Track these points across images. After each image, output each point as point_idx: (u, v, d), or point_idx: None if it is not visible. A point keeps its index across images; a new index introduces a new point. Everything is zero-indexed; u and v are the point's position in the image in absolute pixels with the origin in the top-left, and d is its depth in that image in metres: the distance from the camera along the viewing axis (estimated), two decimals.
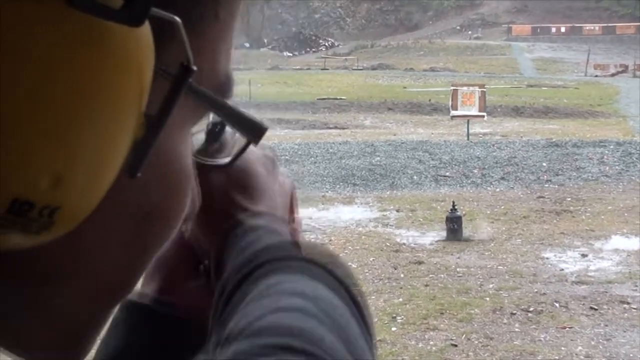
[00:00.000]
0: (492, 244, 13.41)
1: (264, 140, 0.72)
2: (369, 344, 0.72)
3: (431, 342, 9.22)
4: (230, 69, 0.69)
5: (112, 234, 0.59)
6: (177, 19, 0.53)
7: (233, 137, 0.96)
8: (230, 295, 0.79)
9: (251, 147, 0.95)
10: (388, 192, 18.03)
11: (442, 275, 11.75)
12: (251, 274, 0.80)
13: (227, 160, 0.95)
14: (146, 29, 0.51)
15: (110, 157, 0.52)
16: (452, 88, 26.01)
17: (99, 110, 0.49)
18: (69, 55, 0.47)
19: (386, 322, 9.89)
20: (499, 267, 12.11)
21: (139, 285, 0.68)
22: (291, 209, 1.06)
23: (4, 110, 0.45)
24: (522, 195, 17.62)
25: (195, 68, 0.56)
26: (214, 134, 0.96)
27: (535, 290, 11.03)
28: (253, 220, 0.92)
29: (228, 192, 0.96)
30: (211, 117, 0.91)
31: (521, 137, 27.53)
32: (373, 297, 10.83)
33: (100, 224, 0.56)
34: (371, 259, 12.63)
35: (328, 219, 15.49)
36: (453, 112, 25.50)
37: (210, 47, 0.63)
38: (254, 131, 0.69)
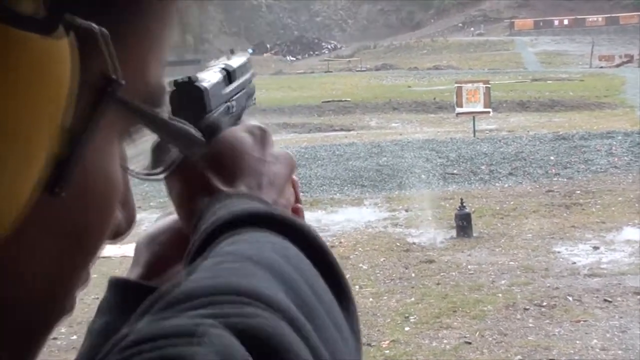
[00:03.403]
0: (503, 240, 13.37)
1: None
2: (340, 297, 0.73)
3: (445, 341, 9.18)
4: (163, 78, 0.65)
5: (38, 253, 0.54)
6: (98, 28, 0.50)
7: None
8: (194, 256, 0.79)
9: (236, 125, 1.02)
10: (396, 192, 18.00)
11: (454, 273, 11.72)
12: (207, 237, 0.80)
13: (159, 170, 0.91)
14: (67, 40, 0.48)
15: (25, 175, 0.48)
16: (456, 85, 26.00)
17: (13, 125, 0.47)
18: None
19: (399, 322, 9.87)
20: (511, 262, 12.07)
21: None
22: (292, 185, 1.08)
23: None
24: (531, 190, 17.56)
25: (115, 78, 0.52)
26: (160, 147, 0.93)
27: (548, 284, 10.99)
28: (221, 198, 0.91)
29: (204, 175, 0.96)
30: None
31: (528, 131, 27.50)
32: (385, 297, 10.81)
33: (25, 244, 0.52)
34: (382, 260, 12.61)
35: (337, 221, 15.47)
36: (458, 110, 25.48)
37: (140, 57, 0.59)
38: (188, 143, 0.66)
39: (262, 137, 1.04)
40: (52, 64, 0.47)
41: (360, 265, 12.37)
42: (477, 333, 9.34)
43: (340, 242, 13.78)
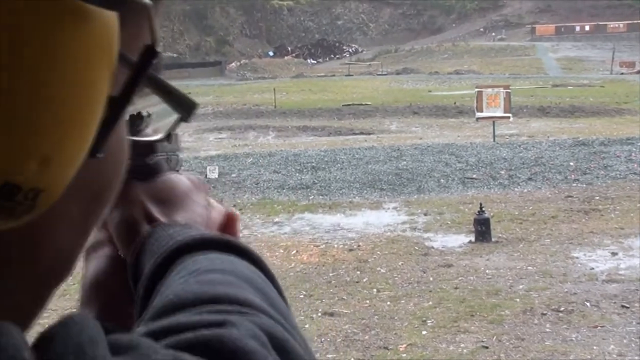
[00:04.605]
0: (521, 245, 13.36)
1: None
2: (286, 303, 0.80)
3: (462, 345, 9.19)
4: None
5: (62, 215, 0.59)
6: (149, 1, 0.55)
7: (149, 124, 1.02)
8: (150, 280, 0.86)
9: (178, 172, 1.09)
10: (415, 196, 18.00)
11: (472, 278, 11.72)
12: (167, 257, 0.87)
13: (159, 136, 1.01)
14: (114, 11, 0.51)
15: (88, 137, 0.52)
16: (476, 90, 25.96)
17: (82, 92, 0.50)
18: (53, 36, 0.47)
19: (416, 325, 9.87)
20: (529, 267, 12.06)
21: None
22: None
23: None
24: (550, 195, 17.53)
25: (159, 50, 0.56)
26: (138, 122, 1.01)
27: (566, 290, 10.98)
28: (168, 226, 0.98)
29: (144, 204, 1.02)
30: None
31: (548, 137, 27.43)
32: (403, 301, 10.82)
33: (56, 205, 0.55)
34: (400, 263, 12.61)
35: (356, 225, 15.48)
36: (478, 114, 25.45)
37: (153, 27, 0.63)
38: (186, 107, 0.72)
39: (198, 184, 1.11)
40: (109, 35, 0.51)
41: (379, 268, 12.38)
42: (495, 337, 9.34)
43: (359, 246, 13.80)
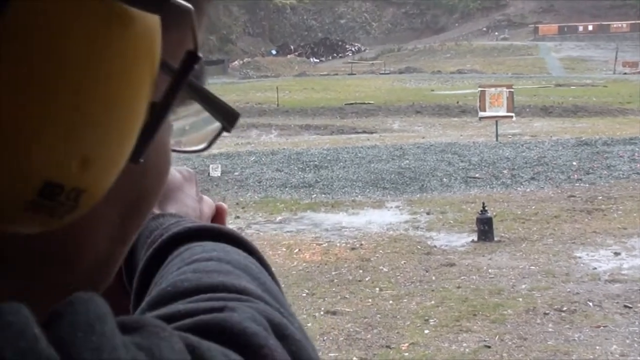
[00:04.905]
0: (524, 245, 13.35)
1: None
2: (279, 287, 0.81)
3: (464, 344, 9.19)
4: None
5: (103, 219, 0.59)
6: (191, 6, 0.54)
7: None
8: (145, 271, 0.87)
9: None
10: (418, 195, 18.00)
11: (474, 277, 11.72)
12: (161, 247, 0.89)
13: (203, 145, 0.99)
14: (157, 16, 0.52)
15: (129, 141, 0.53)
16: (479, 89, 25.95)
17: (125, 95, 0.50)
18: (97, 39, 0.48)
19: (419, 325, 9.87)
20: (531, 267, 12.06)
21: None
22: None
23: (40, 95, 0.46)
24: (552, 195, 17.53)
25: (201, 55, 0.57)
26: None
27: (568, 289, 10.97)
28: (162, 217, 1.00)
29: None
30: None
31: (551, 136, 27.42)
32: (405, 300, 10.82)
33: (93, 212, 0.55)
34: (402, 262, 12.61)
35: (358, 223, 15.49)
36: (481, 114, 25.44)
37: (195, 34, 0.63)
38: (229, 117, 0.73)
39: (190, 178, 1.13)
40: (152, 40, 0.52)
41: (381, 267, 12.38)
42: (497, 337, 9.34)
43: (361, 245, 13.80)
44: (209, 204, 1.13)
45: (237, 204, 17.79)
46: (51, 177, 0.48)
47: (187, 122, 0.96)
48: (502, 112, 24.77)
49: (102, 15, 0.48)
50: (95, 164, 0.50)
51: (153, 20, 0.51)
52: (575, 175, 19.54)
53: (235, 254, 0.84)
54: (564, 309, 10.20)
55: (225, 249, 0.85)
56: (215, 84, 69.17)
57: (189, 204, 1.08)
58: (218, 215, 1.14)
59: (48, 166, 0.48)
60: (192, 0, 0.60)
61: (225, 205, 1.16)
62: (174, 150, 0.93)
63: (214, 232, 0.91)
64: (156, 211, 1.02)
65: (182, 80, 0.56)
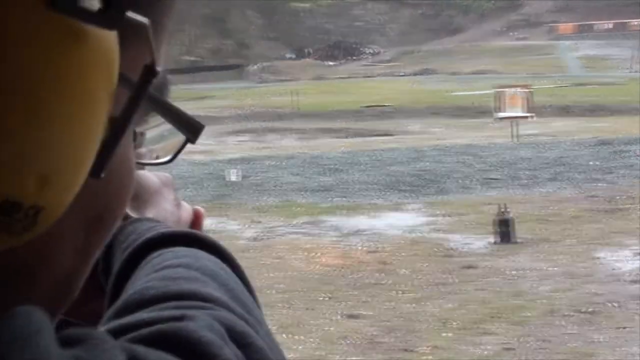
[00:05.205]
0: (545, 246, 13.30)
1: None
2: (252, 296, 0.82)
3: (485, 347, 9.15)
4: (166, 70, 0.70)
5: (65, 237, 0.59)
6: (146, 21, 0.54)
7: (142, 143, 1.05)
8: (118, 276, 0.88)
9: (146, 168, 1.11)
10: (436, 198, 17.96)
11: (495, 279, 11.67)
12: (135, 253, 0.89)
13: (167, 158, 1.05)
14: (115, 32, 0.52)
15: (87, 157, 0.52)
16: (496, 90, 25.88)
17: (81, 112, 0.51)
18: (52, 58, 0.48)
19: (439, 327, 9.85)
20: (552, 268, 12.00)
21: None
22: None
23: None
24: (572, 196, 17.46)
25: (159, 70, 0.56)
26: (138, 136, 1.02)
27: (590, 290, 10.91)
28: (138, 221, 1.00)
29: None
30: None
31: (570, 136, 27.30)
32: (425, 303, 10.79)
33: (56, 227, 0.55)
34: (422, 265, 12.58)
35: (377, 227, 15.45)
36: (499, 114, 25.38)
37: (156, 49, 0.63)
38: (192, 129, 0.71)
39: (167, 182, 1.14)
40: (109, 56, 0.51)
41: (400, 270, 12.36)
42: (518, 339, 9.30)
43: (381, 248, 13.77)
44: (187, 208, 1.14)
45: (256, 208, 17.79)
46: (8, 195, 0.48)
47: (162, 129, 0.96)
48: (520, 113, 24.71)
49: (55, 32, 0.48)
50: (53, 182, 0.50)
51: (109, 36, 0.51)
52: (595, 175, 19.44)
53: (205, 260, 0.84)
54: (586, 310, 10.14)
55: (196, 255, 0.85)
56: (231, 89, 69.36)
57: (167, 209, 1.09)
58: (196, 219, 1.15)
59: (4, 184, 0.48)
60: (151, 15, 0.59)
61: (202, 210, 1.17)
62: (140, 163, 0.95)
63: (188, 237, 0.92)
64: (134, 215, 1.03)
65: (141, 95, 0.55)
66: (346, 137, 32.89)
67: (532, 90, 25.20)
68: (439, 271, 12.24)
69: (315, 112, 43.12)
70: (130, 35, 0.54)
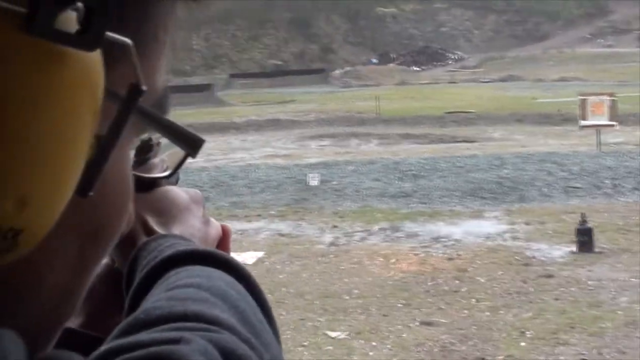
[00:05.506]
0: (625, 256, 13.12)
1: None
2: (267, 316, 0.83)
3: (561, 357, 9.07)
4: (166, 84, 0.71)
5: (58, 254, 0.60)
6: (129, 41, 0.55)
7: (157, 153, 1.05)
8: (136, 293, 0.88)
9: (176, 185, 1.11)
10: (517, 205, 17.82)
11: (573, 289, 11.55)
12: (153, 270, 0.89)
13: (166, 173, 1.05)
14: (98, 52, 0.52)
15: (69, 177, 0.53)
16: (580, 98, 25.60)
17: (60, 133, 0.50)
18: (30, 80, 0.48)
19: (515, 337, 9.78)
20: (632, 279, 11.84)
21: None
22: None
23: None
24: None
25: (145, 88, 0.57)
26: (143, 152, 1.04)
27: None
28: (162, 238, 1.00)
29: (143, 216, 1.04)
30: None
31: None
32: (502, 311, 10.72)
33: (48, 244, 0.56)
34: (500, 273, 12.50)
35: (456, 234, 15.39)
36: (582, 122, 25.08)
37: (150, 65, 0.66)
38: (192, 144, 0.72)
39: (196, 199, 1.13)
40: (92, 77, 0.52)
41: (478, 278, 12.29)
42: (595, 350, 9.20)
43: (459, 255, 13.71)
44: (215, 225, 1.13)
45: (335, 213, 17.84)
46: None
47: (160, 140, 0.97)
48: (604, 121, 24.38)
49: (33, 55, 0.48)
50: (33, 203, 0.50)
51: (91, 56, 0.51)
52: None
53: (219, 280, 0.84)
54: None
55: (209, 275, 0.85)
56: (315, 93, 69.63)
57: (195, 225, 1.08)
58: (224, 236, 1.14)
59: None
60: (142, 31, 0.62)
61: (229, 227, 1.16)
62: (141, 177, 0.96)
63: (206, 256, 0.91)
64: (160, 231, 1.03)
65: (127, 113, 0.57)
66: (428, 143, 32.79)
67: (616, 98, 24.77)
68: (517, 279, 12.16)
69: (398, 117, 43.06)
70: (117, 53, 0.55)
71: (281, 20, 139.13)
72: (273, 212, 17.86)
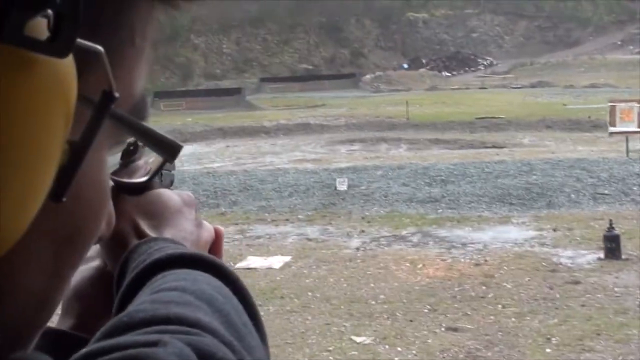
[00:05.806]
0: None
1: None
2: (255, 320, 0.82)
3: None
4: (145, 90, 0.71)
5: (33, 259, 0.60)
6: (101, 48, 0.55)
7: (143, 158, 1.05)
8: (124, 296, 0.88)
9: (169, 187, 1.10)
10: (545, 211, 17.79)
11: (599, 296, 11.53)
12: (141, 273, 0.89)
13: (144, 178, 1.04)
14: (70, 58, 0.53)
15: (41, 183, 0.53)
16: (609, 104, 25.49)
17: (28, 140, 0.51)
18: (2, 88, 0.48)
19: (540, 343, 9.78)
20: None
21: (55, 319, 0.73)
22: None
23: None
24: None
25: (117, 95, 0.58)
26: (129, 155, 1.04)
27: None
28: (152, 241, 0.99)
29: (134, 219, 1.04)
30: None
31: None
32: (528, 317, 10.72)
33: (22, 249, 0.56)
34: (527, 279, 12.50)
35: (483, 239, 15.39)
36: (611, 129, 24.99)
37: (127, 71, 0.66)
38: (169, 150, 0.71)
39: (189, 201, 1.11)
40: (63, 83, 0.53)
41: (505, 284, 12.29)
42: (621, 357, 9.19)
43: (486, 260, 13.71)
44: (208, 228, 1.12)
45: (363, 218, 17.86)
46: None
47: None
48: (633, 128, 24.28)
49: (4, 61, 0.48)
50: (3, 209, 0.50)
51: (63, 62, 0.52)
52: None
53: (204, 283, 0.83)
54: None
55: (195, 279, 0.84)
56: (346, 98, 69.54)
57: (187, 228, 1.07)
58: (216, 239, 1.13)
59: None
60: (118, 38, 0.63)
61: (222, 229, 1.15)
62: (119, 182, 0.98)
63: (194, 259, 0.91)
64: (152, 234, 1.03)
65: (100, 119, 0.58)
66: (458, 149, 32.71)
67: None
68: (544, 286, 12.15)
69: (428, 122, 42.98)
70: (91, 59, 0.56)
71: (312, 25, 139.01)
72: (301, 217, 17.90)
